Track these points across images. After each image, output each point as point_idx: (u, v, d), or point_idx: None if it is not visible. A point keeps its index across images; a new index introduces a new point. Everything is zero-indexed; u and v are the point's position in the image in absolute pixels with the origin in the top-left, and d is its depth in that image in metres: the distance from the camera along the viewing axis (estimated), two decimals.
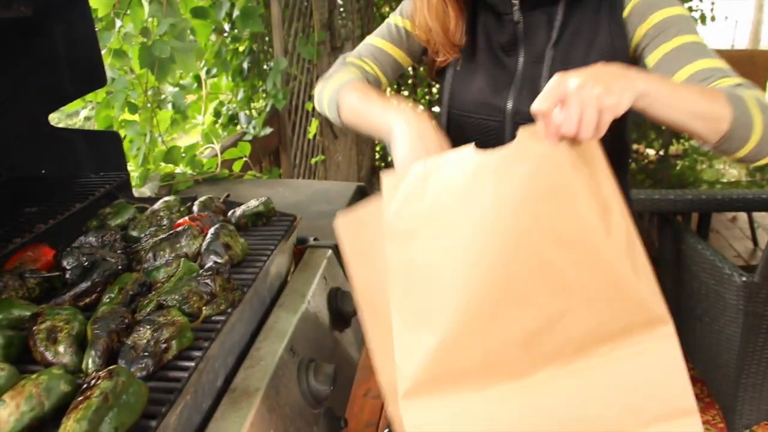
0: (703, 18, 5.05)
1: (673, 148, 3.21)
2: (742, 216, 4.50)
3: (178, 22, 1.97)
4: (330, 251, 1.33)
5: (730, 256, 4.11)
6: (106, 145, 1.53)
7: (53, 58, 1.44)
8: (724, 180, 2.77)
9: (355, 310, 1.25)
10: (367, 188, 1.78)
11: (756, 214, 4.23)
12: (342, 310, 1.24)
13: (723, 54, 4.01)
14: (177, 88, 2.29)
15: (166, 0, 1.97)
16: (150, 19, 1.98)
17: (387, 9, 5.46)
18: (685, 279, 2.33)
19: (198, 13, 2.24)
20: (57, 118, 1.60)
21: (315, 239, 1.39)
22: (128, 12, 1.99)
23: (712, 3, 5.14)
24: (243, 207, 1.32)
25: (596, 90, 0.77)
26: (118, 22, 1.93)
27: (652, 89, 0.83)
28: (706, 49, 1.03)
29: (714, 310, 2.17)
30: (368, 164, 5.36)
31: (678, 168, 2.90)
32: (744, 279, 2.00)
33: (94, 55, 1.47)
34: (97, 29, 1.62)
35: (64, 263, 1.09)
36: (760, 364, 2.11)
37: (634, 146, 3.17)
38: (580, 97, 0.77)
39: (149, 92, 2.08)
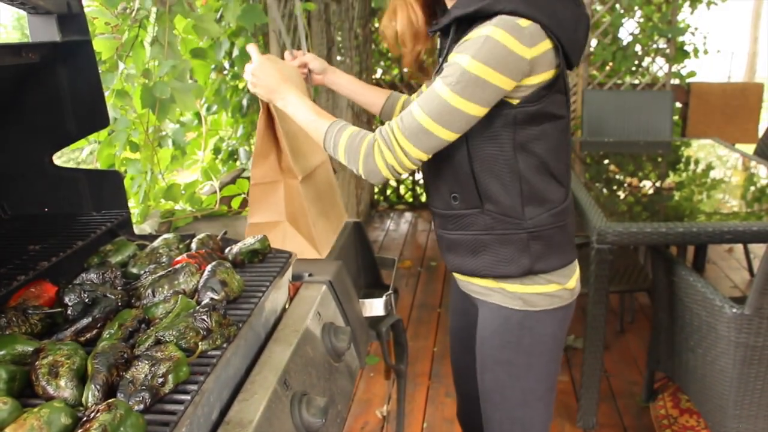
0: (696, 51, 5.14)
1: (669, 181, 3.25)
2: (739, 247, 4.53)
3: (178, 64, 2.04)
4: (324, 287, 1.37)
5: (726, 286, 4.14)
6: (107, 184, 1.58)
7: (58, 100, 1.50)
8: (724, 211, 2.80)
9: (348, 344, 1.29)
10: (363, 224, 1.82)
11: (753, 245, 4.27)
12: (335, 344, 1.27)
13: (717, 87, 4.07)
14: (177, 125, 2.35)
15: (168, 42, 2.03)
16: (151, 61, 2.05)
17: (385, 45, 5.56)
18: (678, 311, 2.36)
19: (198, 53, 2.31)
20: (60, 152, 1.66)
21: (310, 275, 1.43)
22: (130, 54, 2.05)
23: (705, 37, 5.23)
24: (240, 244, 1.36)
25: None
26: (121, 65, 1.99)
27: (287, 103, 1.44)
28: (430, 97, 1.28)
29: (707, 342, 2.20)
30: (367, 198, 5.41)
31: (675, 199, 2.94)
32: (735, 311, 2.03)
33: (98, 98, 1.52)
34: (100, 71, 1.68)
35: (66, 300, 1.13)
36: (753, 395, 2.13)
37: (628, 179, 3.22)
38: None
39: (150, 130, 2.13)
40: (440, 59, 1.39)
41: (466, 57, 1.23)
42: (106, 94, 1.90)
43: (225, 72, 2.89)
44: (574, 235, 1.49)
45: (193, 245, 1.38)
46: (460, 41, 1.28)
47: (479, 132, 1.32)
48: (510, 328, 1.46)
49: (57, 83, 1.48)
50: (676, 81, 5.14)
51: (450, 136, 1.28)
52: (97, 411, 0.79)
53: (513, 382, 1.50)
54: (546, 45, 1.26)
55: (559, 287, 1.44)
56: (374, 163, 1.32)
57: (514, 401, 1.51)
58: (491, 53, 1.22)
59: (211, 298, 1.12)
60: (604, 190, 3.10)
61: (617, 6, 4.87)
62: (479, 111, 1.26)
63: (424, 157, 1.31)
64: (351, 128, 1.38)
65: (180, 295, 1.12)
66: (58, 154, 1.61)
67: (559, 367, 1.56)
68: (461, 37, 1.29)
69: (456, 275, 1.57)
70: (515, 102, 1.29)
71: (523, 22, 1.22)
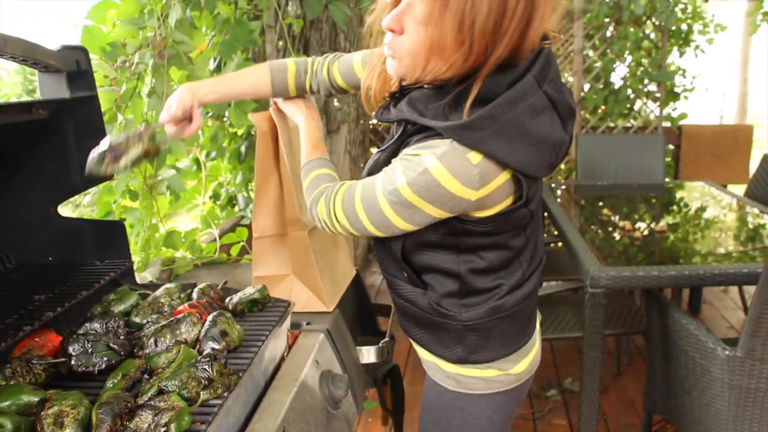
0: (685, 91, 5.23)
1: (663, 223, 3.30)
2: (734, 287, 4.56)
3: None
4: (322, 335, 1.40)
5: (722, 327, 4.15)
6: (110, 234, 1.61)
7: (64, 153, 1.54)
8: (717, 252, 2.83)
9: (345, 392, 1.31)
10: (360, 273, 1.86)
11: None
12: (333, 392, 1.30)
13: (707, 129, 4.10)
14: (174, 171, 2.39)
15: (164, 94, 2.09)
16: (149, 112, 2.10)
17: None
18: (672, 353, 2.38)
19: None
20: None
21: (308, 323, 1.46)
22: (129, 105, 2.11)
23: (693, 77, 5.33)
24: (240, 294, 1.39)
25: None
26: (120, 117, 2.05)
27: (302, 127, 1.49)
28: (369, 189, 1.17)
29: (701, 384, 2.21)
30: (364, 243, 5.44)
31: (669, 240, 2.97)
32: (727, 353, 2.05)
33: None
34: None
35: (70, 349, 1.16)
36: None
37: (622, 222, 3.26)
38: None
39: (148, 177, 2.18)
40: (393, 135, 1.24)
41: (402, 177, 1.10)
42: None
43: (225, 119, 2.94)
44: (530, 318, 1.38)
45: (195, 295, 1.41)
46: (405, 150, 1.16)
47: (417, 234, 1.20)
48: (441, 405, 1.37)
49: (64, 137, 1.53)
50: (668, 123, 5.23)
51: (377, 231, 1.20)
52: None
53: None
54: (502, 178, 1.10)
55: (499, 373, 1.33)
56: (315, 210, 1.28)
57: None
58: (428, 189, 1.08)
59: (213, 348, 1.15)
60: (599, 232, 3.15)
61: (608, 51, 4.98)
62: (409, 227, 1.16)
63: (355, 232, 1.23)
64: (321, 170, 1.34)
65: (182, 345, 1.15)
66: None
67: None
68: (413, 130, 1.18)
69: None
70: (464, 218, 1.16)
71: (474, 158, 1.05)
